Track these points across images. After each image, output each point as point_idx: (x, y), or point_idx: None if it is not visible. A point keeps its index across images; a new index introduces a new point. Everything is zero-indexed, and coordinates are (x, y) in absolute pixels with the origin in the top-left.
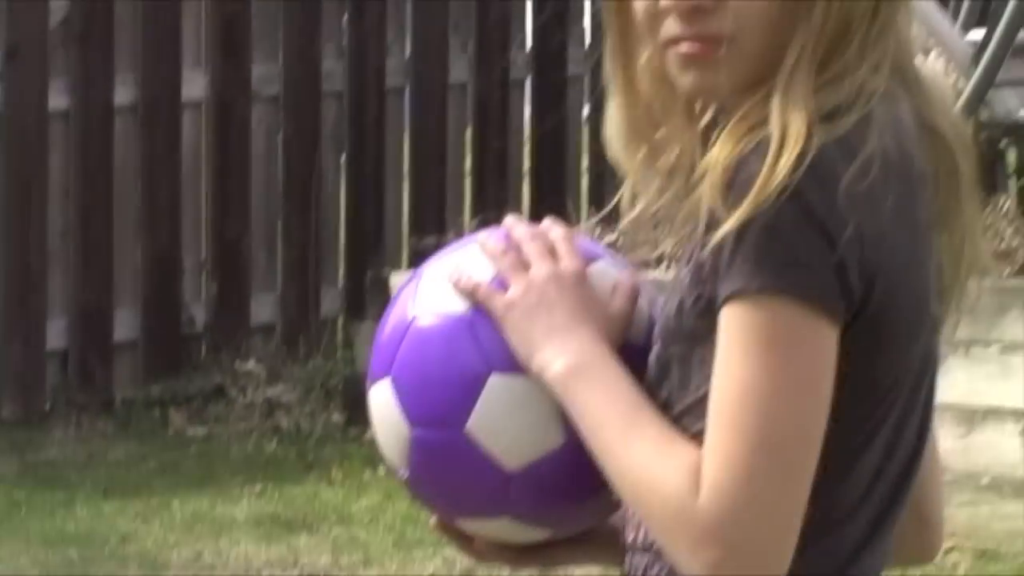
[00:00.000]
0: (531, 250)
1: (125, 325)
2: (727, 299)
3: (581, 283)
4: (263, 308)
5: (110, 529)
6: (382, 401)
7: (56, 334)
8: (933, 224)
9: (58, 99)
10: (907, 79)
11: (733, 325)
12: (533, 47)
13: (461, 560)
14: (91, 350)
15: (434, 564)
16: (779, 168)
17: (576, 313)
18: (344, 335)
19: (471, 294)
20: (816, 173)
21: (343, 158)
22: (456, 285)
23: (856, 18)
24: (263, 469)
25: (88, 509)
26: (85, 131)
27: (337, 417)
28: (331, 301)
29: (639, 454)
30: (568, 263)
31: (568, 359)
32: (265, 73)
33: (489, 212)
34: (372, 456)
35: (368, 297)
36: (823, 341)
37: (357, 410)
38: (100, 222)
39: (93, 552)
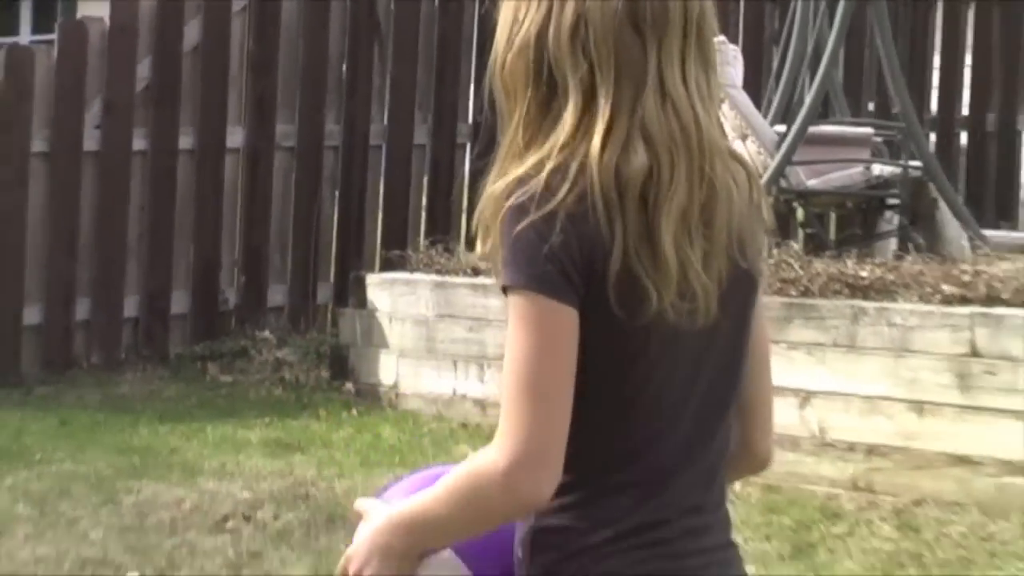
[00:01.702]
0: None
1: (179, 303)
2: (502, 291)
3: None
4: (276, 295)
5: (163, 444)
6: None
7: (131, 307)
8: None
9: (139, 143)
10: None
11: (507, 310)
12: (473, 120)
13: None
14: (155, 319)
15: (387, 478)
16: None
17: None
18: (332, 317)
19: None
20: (541, 206)
21: (336, 193)
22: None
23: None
24: (271, 407)
25: (148, 430)
26: (157, 167)
27: (325, 373)
28: (324, 292)
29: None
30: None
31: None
32: (285, 131)
33: (438, 235)
34: (348, 402)
35: (350, 291)
36: (555, 315)
37: (338, 369)
38: (164, 231)
39: (150, 460)
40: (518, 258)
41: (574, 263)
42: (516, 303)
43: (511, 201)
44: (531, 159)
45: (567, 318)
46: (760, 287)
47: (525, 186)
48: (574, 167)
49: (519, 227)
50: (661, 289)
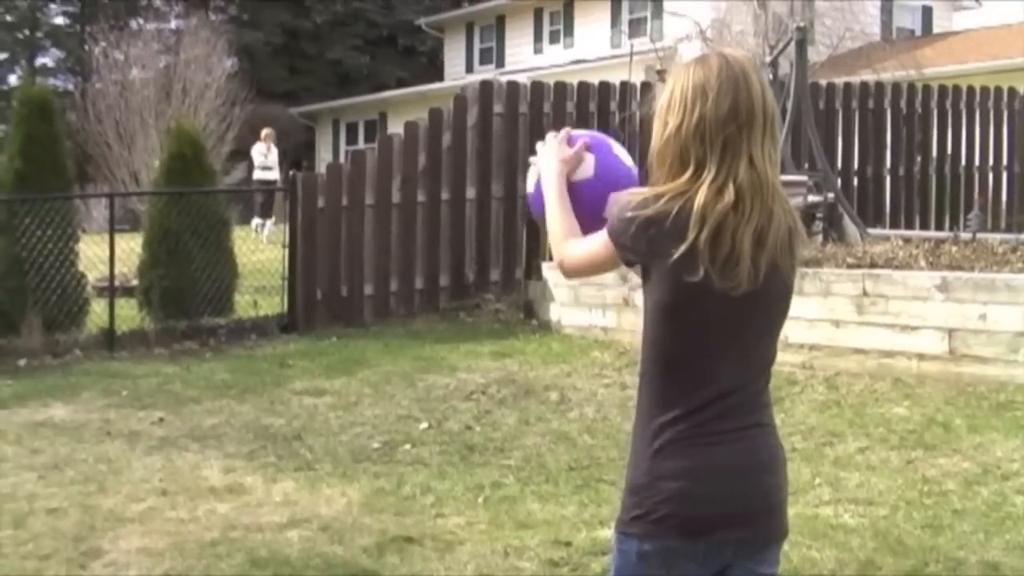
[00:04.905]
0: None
1: (444, 280)
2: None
3: (560, 146)
4: (494, 274)
5: (437, 354)
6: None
7: (419, 283)
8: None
9: (420, 197)
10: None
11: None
12: None
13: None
14: (431, 289)
15: (558, 369)
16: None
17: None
18: (524, 285)
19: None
20: (633, 211)
21: (525, 221)
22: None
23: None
24: (493, 334)
25: (429, 347)
26: (431, 209)
27: (521, 315)
28: (519, 272)
29: (556, 219)
30: (557, 141)
31: (547, 174)
32: (496, 189)
33: None
34: (534, 330)
35: (532, 270)
36: (611, 249)
37: (528, 312)
38: (434, 242)
39: (431, 363)
40: (614, 229)
41: (635, 246)
42: (607, 236)
43: (625, 200)
44: (653, 193)
45: (611, 252)
46: (792, 281)
47: (635, 200)
48: (664, 200)
49: (620, 216)
50: (712, 269)
